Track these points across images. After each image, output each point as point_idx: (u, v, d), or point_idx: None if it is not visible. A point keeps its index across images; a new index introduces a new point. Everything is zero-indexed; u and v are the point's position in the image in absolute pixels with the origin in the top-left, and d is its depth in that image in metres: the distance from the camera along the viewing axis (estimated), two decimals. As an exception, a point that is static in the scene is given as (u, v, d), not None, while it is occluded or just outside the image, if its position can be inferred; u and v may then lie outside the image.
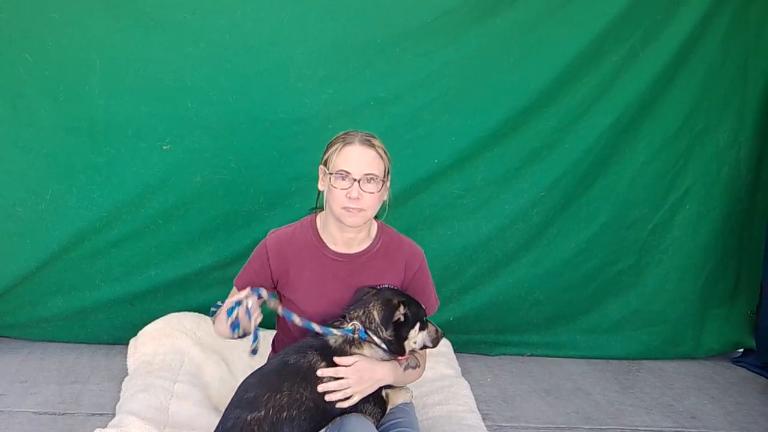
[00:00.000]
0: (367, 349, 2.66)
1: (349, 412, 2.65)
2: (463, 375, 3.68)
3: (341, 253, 2.82)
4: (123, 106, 3.66)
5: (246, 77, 3.69)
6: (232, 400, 2.62)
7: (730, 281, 4.35)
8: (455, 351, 3.91)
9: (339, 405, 2.56)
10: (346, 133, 2.72)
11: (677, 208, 4.16)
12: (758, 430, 3.55)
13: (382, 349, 2.68)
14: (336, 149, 2.68)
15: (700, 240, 4.21)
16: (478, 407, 3.35)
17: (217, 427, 2.55)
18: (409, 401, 2.95)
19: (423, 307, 2.78)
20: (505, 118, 3.86)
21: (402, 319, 2.68)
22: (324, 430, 2.64)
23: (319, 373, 2.54)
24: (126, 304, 3.90)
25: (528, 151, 3.95)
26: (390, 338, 2.69)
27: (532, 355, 4.25)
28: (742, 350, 4.47)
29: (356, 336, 2.66)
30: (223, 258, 3.88)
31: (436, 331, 2.79)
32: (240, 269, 3.61)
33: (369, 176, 2.65)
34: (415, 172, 3.84)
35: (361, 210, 2.66)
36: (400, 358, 2.74)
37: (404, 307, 2.69)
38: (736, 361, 4.38)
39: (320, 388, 2.54)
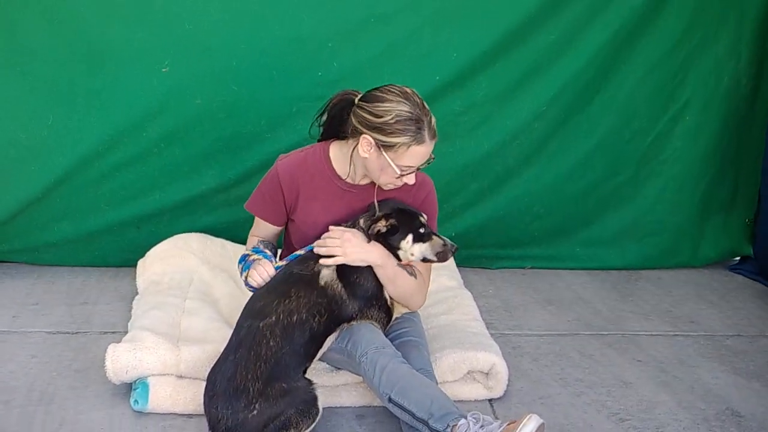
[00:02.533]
0: None
1: (357, 320, 2.74)
2: (465, 287, 3.76)
3: (353, 184, 2.85)
4: (120, 30, 3.61)
5: (242, -5, 3.65)
6: (243, 311, 2.70)
7: (728, 191, 4.40)
8: (457, 265, 3.97)
9: (322, 261, 2.70)
10: (415, 121, 2.57)
11: (677, 119, 4.17)
12: (754, 332, 3.66)
13: None
14: (406, 144, 2.57)
15: (698, 150, 4.24)
16: (481, 317, 3.44)
17: (231, 338, 2.63)
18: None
19: (421, 219, 2.78)
20: (506, 33, 3.82)
21: (384, 230, 2.73)
22: (335, 336, 2.72)
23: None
24: (132, 227, 3.93)
25: (528, 66, 3.93)
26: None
27: (533, 268, 4.32)
28: (739, 258, 4.54)
29: None
30: (227, 180, 3.90)
31: (444, 244, 2.77)
32: (244, 191, 3.66)
33: (428, 160, 2.70)
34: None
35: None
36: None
37: (387, 219, 2.73)
38: (734, 269, 4.46)
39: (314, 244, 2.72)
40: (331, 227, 2.76)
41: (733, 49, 4.13)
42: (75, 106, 3.69)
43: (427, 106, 2.65)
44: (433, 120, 2.64)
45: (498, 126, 4.01)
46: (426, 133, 2.59)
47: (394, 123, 2.56)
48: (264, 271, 2.76)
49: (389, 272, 2.75)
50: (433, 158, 2.72)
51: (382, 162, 2.63)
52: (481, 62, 3.86)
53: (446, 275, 3.78)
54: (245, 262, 2.86)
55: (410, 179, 2.69)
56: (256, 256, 2.84)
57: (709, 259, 4.47)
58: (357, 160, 2.75)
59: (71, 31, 3.59)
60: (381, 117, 2.58)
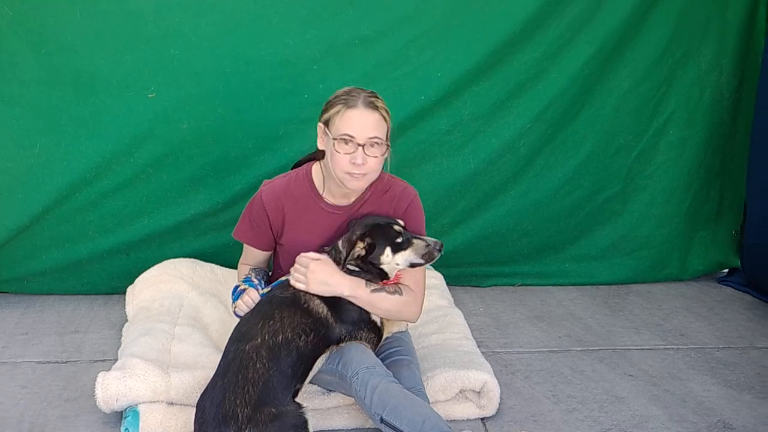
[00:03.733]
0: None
1: (347, 340, 2.74)
2: (456, 306, 3.76)
3: (337, 206, 2.87)
4: (106, 56, 3.62)
5: (227, 20, 3.65)
6: (230, 336, 2.70)
7: (714, 203, 4.43)
8: (447, 284, 3.98)
9: (292, 282, 2.73)
10: (347, 93, 2.67)
11: (661, 133, 4.21)
12: (744, 343, 3.67)
13: (356, 272, 2.76)
14: (338, 111, 2.64)
15: (684, 164, 4.27)
16: (472, 335, 3.44)
17: (220, 363, 2.63)
18: (404, 330, 3.03)
19: (395, 228, 2.77)
20: (490, 51, 3.85)
21: (363, 253, 2.74)
22: (324, 358, 2.72)
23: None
24: (121, 254, 3.93)
25: (513, 84, 3.96)
26: (362, 267, 2.77)
27: (523, 285, 4.33)
28: (727, 270, 4.57)
29: None
30: (215, 204, 3.90)
31: (427, 245, 2.77)
32: (232, 215, 3.65)
33: (373, 140, 2.65)
34: (402, 110, 3.83)
35: (364, 174, 2.69)
36: (386, 282, 2.81)
37: (364, 240, 2.73)
38: (722, 281, 4.49)
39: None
40: (299, 256, 2.75)
41: (716, 62, 4.18)
42: (62, 134, 3.69)
43: (377, 94, 2.71)
44: (379, 100, 2.68)
45: (484, 144, 4.03)
46: (359, 101, 2.64)
47: (332, 99, 2.70)
48: (249, 299, 2.79)
49: (363, 300, 2.75)
50: (388, 148, 2.72)
51: (329, 144, 2.68)
52: (465, 81, 3.89)
53: (437, 294, 3.78)
54: (235, 294, 2.88)
55: (357, 157, 2.63)
56: (244, 286, 2.87)
57: (698, 272, 4.50)
58: (325, 169, 2.79)
59: (58, 59, 3.60)
60: (326, 102, 2.72)
